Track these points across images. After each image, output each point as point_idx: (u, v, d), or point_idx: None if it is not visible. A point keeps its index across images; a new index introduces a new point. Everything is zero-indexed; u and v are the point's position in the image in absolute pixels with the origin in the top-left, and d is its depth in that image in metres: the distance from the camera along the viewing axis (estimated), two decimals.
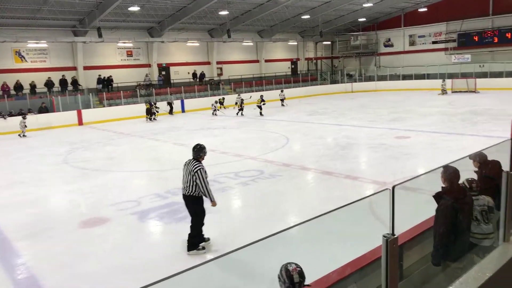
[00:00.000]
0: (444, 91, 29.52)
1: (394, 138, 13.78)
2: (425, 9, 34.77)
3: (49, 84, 25.11)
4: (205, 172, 6.04)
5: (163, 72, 31.34)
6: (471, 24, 33.27)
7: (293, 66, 40.74)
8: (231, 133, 17.24)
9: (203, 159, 6.18)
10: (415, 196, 5.26)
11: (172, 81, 31.04)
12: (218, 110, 25.31)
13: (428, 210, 4.11)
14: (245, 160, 11.90)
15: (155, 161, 12.81)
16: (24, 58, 25.27)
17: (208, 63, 33.95)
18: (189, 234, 6.02)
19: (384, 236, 2.14)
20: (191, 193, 6.01)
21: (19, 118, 20.25)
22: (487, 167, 4.57)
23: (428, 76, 34.41)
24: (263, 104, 23.33)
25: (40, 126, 21.96)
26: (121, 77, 28.28)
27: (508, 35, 31.30)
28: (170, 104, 26.65)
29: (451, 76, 31.88)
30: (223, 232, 6.83)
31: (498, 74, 30.80)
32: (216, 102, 25.74)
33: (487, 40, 32.43)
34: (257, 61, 37.47)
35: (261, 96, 24.01)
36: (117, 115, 24.80)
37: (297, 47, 40.55)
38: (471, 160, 4.80)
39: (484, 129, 14.53)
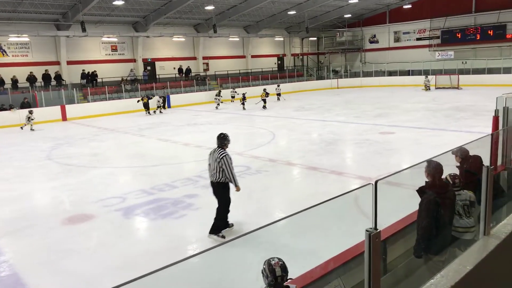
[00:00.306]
0: (427, 87, 29.93)
1: (379, 134, 13.93)
2: (409, 6, 35.14)
3: (31, 79, 24.61)
4: (230, 158, 6.32)
5: (149, 67, 31.04)
6: (454, 21, 33.74)
7: (279, 62, 40.76)
8: (217, 129, 17.17)
9: (227, 146, 6.45)
10: (399, 191, 5.33)
11: (157, 77, 30.76)
12: (222, 103, 25.63)
13: (411, 204, 4.17)
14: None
15: (140, 157, 12.70)
16: (5, 52, 24.71)
17: (194, 58, 33.73)
18: (215, 218, 6.27)
19: (367, 230, 2.16)
20: (219, 180, 6.27)
21: (26, 111, 20.28)
22: (468, 162, 4.66)
23: (413, 73, 34.83)
24: (267, 97, 24.12)
25: (23, 121, 21.53)
26: (105, 72, 27.91)
27: (490, 32, 31.85)
28: (163, 98, 26.65)
29: (435, 72, 32.32)
30: (209, 226, 6.82)
31: (481, 71, 31.34)
32: (217, 95, 26.07)
33: (469, 37, 32.94)
34: (244, 57, 37.38)
35: (264, 89, 24.57)
36: (102, 111, 24.49)
37: (283, 43, 40.56)
38: (453, 155, 4.89)
39: (467, 125, 14.79)
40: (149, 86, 28.51)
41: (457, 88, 29.47)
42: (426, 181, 3.97)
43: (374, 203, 2.28)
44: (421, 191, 3.86)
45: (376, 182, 2.27)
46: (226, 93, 29.07)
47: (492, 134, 4.14)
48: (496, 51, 32.02)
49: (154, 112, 24.61)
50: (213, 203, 6.26)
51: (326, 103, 24.93)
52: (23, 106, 22.38)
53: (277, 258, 2.84)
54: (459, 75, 30.22)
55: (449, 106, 20.30)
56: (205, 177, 9.55)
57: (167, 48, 31.83)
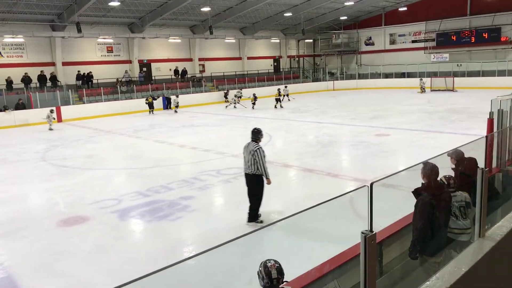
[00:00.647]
0: (423, 89, 30.06)
1: (375, 136, 13.96)
2: (405, 9, 35.30)
3: (26, 79, 24.48)
4: (263, 151, 6.72)
5: (144, 69, 30.98)
6: (449, 24, 33.94)
7: (275, 64, 40.81)
8: (213, 131, 17.17)
9: (260, 140, 6.86)
10: (394, 193, 5.34)
11: (153, 78, 30.70)
12: (238, 103, 26.21)
13: (407, 206, 4.18)
14: (227, 157, 11.88)
15: (136, 158, 12.66)
16: None
17: (190, 59, 33.70)
18: (250, 207, 6.75)
19: (362, 232, 2.16)
20: (253, 172, 6.68)
21: (47, 111, 20.35)
22: (463, 164, 4.68)
23: (408, 75, 34.98)
24: (281, 97, 24.99)
25: (17, 123, 21.45)
26: (101, 73, 27.83)
27: (485, 35, 32.04)
28: (168, 99, 27.22)
29: (430, 74, 32.47)
30: (204, 229, 6.81)
31: (475, 73, 31.52)
32: (236, 96, 26.71)
33: (464, 40, 33.14)
34: (240, 58, 37.40)
35: (278, 89, 25.38)
36: (97, 112, 24.40)
37: (279, 45, 40.63)
38: (449, 157, 4.91)
39: (462, 127, 14.86)
40: (144, 87, 28.45)
41: (452, 90, 29.62)
42: (422, 183, 3.98)
43: (369, 205, 2.29)
44: (416, 192, 3.88)
45: (371, 184, 2.28)
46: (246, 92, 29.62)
47: (486, 137, 4.16)
48: (491, 53, 32.23)
49: (175, 111, 25.43)
50: (209, 205, 6.26)
51: (322, 105, 24.98)
52: (17, 107, 22.26)
53: (273, 260, 2.83)
54: (454, 78, 30.39)
55: (444, 108, 20.39)
56: (201, 179, 9.56)
57: (163, 49, 31.79)
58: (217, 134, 16.23)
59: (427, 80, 30.96)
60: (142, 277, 1.61)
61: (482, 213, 3.31)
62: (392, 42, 38.36)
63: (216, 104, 29.11)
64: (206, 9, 27.26)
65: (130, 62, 30.12)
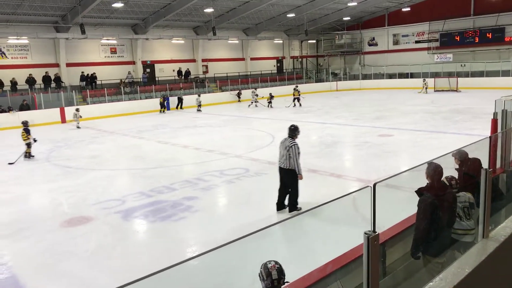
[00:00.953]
0: (424, 90, 29.88)
1: (378, 136, 13.93)
2: (408, 9, 35.20)
3: (30, 81, 24.59)
4: (298, 148, 7.05)
5: (148, 70, 31.05)
6: (453, 24, 33.82)
7: (278, 65, 40.80)
8: (216, 131, 17.19)
9: (297, 137, 7.19)
10: (398, 194, 5.32)
11: (157, 79, 30.77)
12: (258, 102, 26.67)
13: (410, 207, 4.16)
14: (230, 158, 11.89)
15: (139, 159, 12.69)
16: (4, 54, 24.69)
17: (194, 60, 33.75)
18: (289, 198, 7.16)
19: (365, 233, 2.16)
20: (288, 167, 7.02)
21: (73, 109, 20.86)
22: (467, 165, 4.66)
23: (412, 75, 34.88)
24: (299, 95, 25.46)
25: (19, 124, 21.49)
26: (105, 74, 27.91)
27: (489, 35, 31.91)
28: (180, 99, 27.49)
29: (434, 75, 32.37)
30: (207, 229, 6.82)
31: (479, 74, 31.39)
32: (256, 95, 27.13)
33: (468, 40, 33.00)
34: (243, 59, 37.41)
35: (295, 88, 26.11)
36: (101, 113, 24.46)
37: (282, 46, 40.62)
38: (453, 157, 4.89)
39: (465, 127, 14.80)
40: (148, 88, 28.51)
41: (456, 90, 29.51)
42: (427, 183, 3.97)
43: (372, 206, 2.28)
44: (419, 192, 3.87)
45: (374, 185, 2.27)
46: (246, 93, 30.26)
47: (490, 137, 4.14)
48: (494, 54, 32.09)
49: (199, 109, 25.98)
50: (212, 206, 6.26)
51: (325, 106, 24.95)
52: (22, 108, 22.35)
53: (273, 261, 2.84)
54: (458, 78, 30.28)
55: (448, 108, 20.32)
56: (204, 180, 9.57)
57: (166, 50, 31.85)
58: (220, 134, 16.24)
59: (430, 81, 30.82)
60: (145, 277, 1.62)
61: (486, 214, 3.30)
62: (396, 42, 38.27)
63: (218, 105, 29.14)
64: (209, 10, 27.30)
65: (133, 63, 30.20)
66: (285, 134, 7.47)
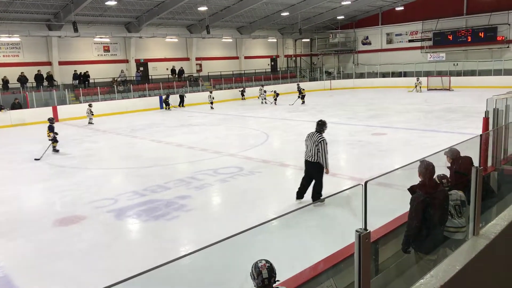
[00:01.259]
0: (417, 88, 29.95)
1: (371, 135, 13.99)
2: (401, 8, 35.36)
3: (22, 79, 24.37)
4: (327, 143, 7.30)
5: (141, 68, 30.92)
6: (445, 23, 34.03)
7: (272, 63, 40.82)
8: (211, 130, 17.16)
9: (324, 132, 7.42)
10: (390, 192, 5.36)
11: (150, 77, 30.65)
12: (266, 99, 27.54)
13: (403, 205, 4.19)
14: (224, 157, 11.88)
15: (132, 158, 12.64)
16: None
17: (187, 59, 33.66)
18: (314, 189, 7.39)
19: (356, 231, 2.17)
20: (315, 160, 7.28)
21: (86, 106, 21.23)
22: (458, 163, 4.70)
23: (405, 74, 35.06)
24: (304, 93, 25.95)
25: (13, 122, 21.37)
26: (98, 73, 27.75)
27: (481, 34, 32.15)
28: (181, 96, 27.59)
29: (427, 74, 32.55)
30: (201, 228, 6.82)
31: (472, 73, 31.63)
32: (265, 91, 27.94)
33: (461, 39, 33.23)
34: (237, 58, 37.38)
35: (300, 88, 26.29)
36: (94, 112, 24.24)
37: (276, 44, 40.63)
38: (445, 156, 4.93)
39: (458, 126, 14.91)
40: (141, 87, 28.39)
41: (449, 89, 29.70)
42: (419, 181, 4.00)
43: (364, 204, 2.30)
44: (411, 190, 3.90)
45: (366, 183, 2.29)
46: (251, 91, 31.15)
47: (481, 135, 4.18)
48: (487, 53, 32.35)
49: (211, 107, 26.05)
50: (206, 204, 6.26)
51: (319, 104, 25.00)
52: (13, 107, 22.17)
53: (264, 260, 2.85)
54: (451, 77, 30.48)
55: (441, 107, 20.45)
56: (198, 178, 9.56)
57: (160, 48, 31.73)
58: (214, 133, 16.21)
59: (423, 80, 30.98)
60: (137, 275, 1.62)
61: (476, 212, 3.33)
62: (389, 41, 38.43)
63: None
64: (203, 8, 27.24)
65: (127, 61, 30.05)
66: (279, 133, 7.49)
